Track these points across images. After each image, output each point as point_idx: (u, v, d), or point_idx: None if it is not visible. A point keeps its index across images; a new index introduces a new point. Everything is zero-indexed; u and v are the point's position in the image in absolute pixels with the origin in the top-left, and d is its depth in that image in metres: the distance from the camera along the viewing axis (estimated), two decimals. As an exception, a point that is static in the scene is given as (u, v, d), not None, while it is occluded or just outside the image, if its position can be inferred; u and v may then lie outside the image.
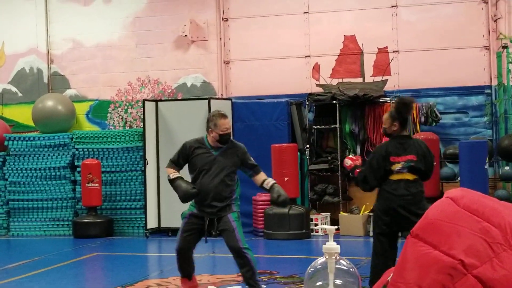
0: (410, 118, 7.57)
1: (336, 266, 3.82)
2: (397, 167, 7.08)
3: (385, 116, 7.36)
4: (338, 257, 3.84)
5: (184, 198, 7.43)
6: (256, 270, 7.48)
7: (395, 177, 7.13)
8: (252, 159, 7.62)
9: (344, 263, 3.85)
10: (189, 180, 7.55)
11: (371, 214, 12.69)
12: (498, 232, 4.57)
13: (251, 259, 7.39)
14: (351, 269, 3.84)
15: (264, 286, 7.88)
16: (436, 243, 4.63)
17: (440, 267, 4.49)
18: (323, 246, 3.88)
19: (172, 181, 7.49)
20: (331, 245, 3.88)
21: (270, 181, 7.56)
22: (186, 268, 7.71)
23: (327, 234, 4.14)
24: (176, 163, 7.60)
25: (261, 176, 7.60)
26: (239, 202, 7.71)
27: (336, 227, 4.20)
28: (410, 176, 7.16)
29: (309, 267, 3.89)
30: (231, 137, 7.61)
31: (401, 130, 7.22)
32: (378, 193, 7.32)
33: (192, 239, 7.58)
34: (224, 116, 7.47)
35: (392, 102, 13.07)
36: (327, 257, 3.86)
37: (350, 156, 7.66)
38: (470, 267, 4.44)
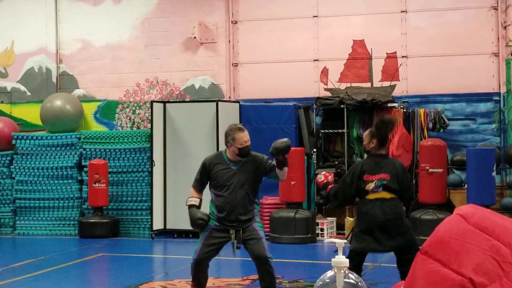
0: (389, 137, 7.47)
1: (345, 280, 3.82)
2: (370, 186, 7.07)
3: (365, 133, 7.44)
4: (347, 271, 3.84)
5: (192, 226, 7.50)
6: (275, 278, 7.48)
7: (371, 196, 7.11)
8: (270, 161, 7.53)
9: (353, 277, 3.85)
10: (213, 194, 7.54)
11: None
12: (508, 251, 4.56)
13: (273, 268, 7.41)
14: (359, 283, 3.84)
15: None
16: (445, 261, 4.62)
17: (449, 285, 4.49)
18: (332, 259, 3.88)
19: (188, 207, 7.52)
20: (340, 259, 3.88)
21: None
22: (200, 278, 7.67)
23: (336, 247, 4.14)
24: (198, 182, 7.57)
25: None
26: (258, 212, 7.66)
27: (345, 240, 4.18)
28: (386, 195, 7.12)
29: (317, 280, 3.89)
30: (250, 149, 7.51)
31: (379, 148, 7.22)
32: (357, 212, 7.34)
33: (212, 253, 7.53)
34: (241, 129, 7.40)
35: (401, 108, 13.09)
36: (335, 271, 3.85)
37: (324, 172, 7.66)
38: (480, 285, 4.43)
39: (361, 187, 7.09)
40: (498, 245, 4.61)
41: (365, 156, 7.71)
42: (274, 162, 7.43)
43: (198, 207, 7.45)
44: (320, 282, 3.89)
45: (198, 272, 7.54)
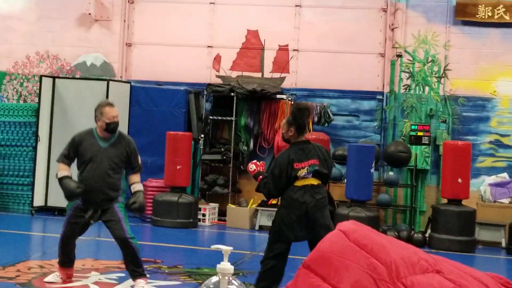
0: (308, 123, 7.47)
1: (228, 286, 4.00)
2: (302, 172, 6.98)
3: (282, 122, 7.37)
4: (230, 278, 4.01)
5: (68, 197, 7.49)
6: (140, 258, 7.61)
7: (299, 183, 7.00)
8: (139, 159, 7.70)
9: (236, 284, 4.03)
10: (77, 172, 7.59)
11: (258, 208, 13.00)
12: (384, 269, 4.83)
13: (136, 248, 7.51)
14: None
15: (148, 275, 7.99)
16: (326, 276, 4.86)
17: (328, 300, 4.77)
18: (217, 265, 4.04)
19: (59, 180, 7.49)
20: (225, 266, 4.04)
21: (137, 186, 7.64)
22: (66, 256, 7.74)
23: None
24: (66, 157, 7.59)
25: (136, 177, 7.69)
26: (125, 194, 7.76)
27: (231, 248, 4.29)
28: (314, 181, 7.05)
29: (202, 285, 4.05)
30: (118, 127, 7.62)
31: (298, 136, 7.15)
32: (281, 200, 7.18)
33: (77, 229, 7.65)
34: (110, 104, 7.55)
35: (288, 100, 13.40)
36: (220, 277, 4.02)
37: (255, 161, 7.46)
38: (357, 302, 4.72)
39: (293, 174, 6.97)
40: (375, 263, 4.88)
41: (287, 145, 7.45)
42: (139, 164, 7.66)
43: (70, 178, 7.46)
44: (205, 287, 4.03)
45: (65, 249, 7.71)
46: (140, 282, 7.63)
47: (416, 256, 5.21)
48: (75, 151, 7.55)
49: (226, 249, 4.19)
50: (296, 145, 7.14)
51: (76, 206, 7.56)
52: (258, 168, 7.37)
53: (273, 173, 7.06)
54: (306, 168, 7.00)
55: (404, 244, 5.42)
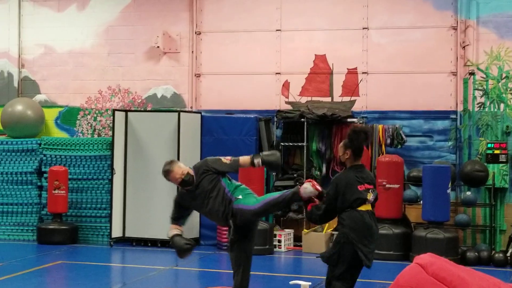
0: (364, 147, 7.15)
1: None
2: (370, 196, 6.84)
3: (340, 145, 7.23)
4: None
5: (179, 253, 7.81)
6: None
7: (364, 207, 6.84)
8: (223, 161, 7.84)
9: None
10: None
11: (333, 232, 12.88)
12: None
13: (265, 202, 7.61)
14: None
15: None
16: None
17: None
18: None
19: (170, 239, 7.83)
20: None
21: (254, 157, 7.94)
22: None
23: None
24: (175, 218, 7.95)
25: (241, 159, 7.93)
26: (239, 189, 7.85)
27: (309, 283, 4.33)
28: (369, 207, 6.94)
29: None
30: (190, 178, 7.75)
31: (355, 159, 6.99)
32: (345, 222, 6.83)
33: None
34: (168, 172, 7.74)
35: (360, 123, 13.30)
36: None
37: (310, 180, 7.32)
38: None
39: (360, 197, 6.78)
40: None
41: (343, 168, 7.41)
42: (223, 162, 7.81)
43: (180, 235, 7.78)
44: None
45: None
46: None
47: (496, 287, 5.14)
48: (182, 206, 7.92)
49: (304, 284, 4.25)
50: (354, 168, 6.97)
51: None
52: (317, 186, 7.16)
53: (330, 196, 6.84)
54: (371, 191, 6.86)
55: (482, 275, 5.39)
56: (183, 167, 7.77)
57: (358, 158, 7.02)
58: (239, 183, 7.98)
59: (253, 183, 12.56)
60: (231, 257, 7.89)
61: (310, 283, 4.41)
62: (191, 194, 7.77)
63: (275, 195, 7.62)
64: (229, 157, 7.90)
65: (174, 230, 7.82)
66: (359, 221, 6.76)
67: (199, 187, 7.71)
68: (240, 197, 7.67)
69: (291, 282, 4.64)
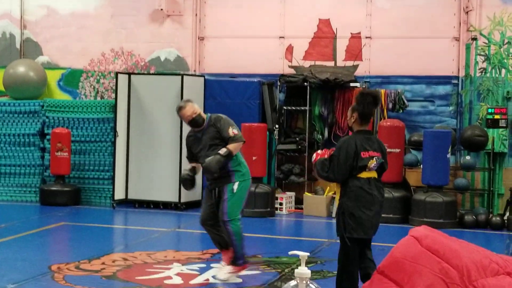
0: (373, 112, 6.87)
1: None
2: (372, 163, 6.62)
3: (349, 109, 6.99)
4: (308, 282, 4.16)
5: (182, 184, 8.22)
6: (236, 244, 7.83)
7: (365, 174, 6.63)
8: (231, 130, 7.86)
9: (313, 287, 4.17)
10: None
11: (335, 196, 12.97)
12: (456, 273, 4.95)
13: (231, 232, 7.79)
14: None
15: (248, 264, 8.13)
16: (399, 281, 5.00)
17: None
18: (295, 270, 4.20)
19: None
20: (303, 270, 4.20)
21: (221, 150, 7.83)
22: (215, 239, 8.11)
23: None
24: (188, 157, 8.28)
25: (229, 146, 7.83)
26: (242, 171, 7.93)
27: (308, 253, 4.41)
28: (375, 174, 6.71)
29: None
30: (200, 119, 7.92)
31: (362, 124, 6.77)
32: (345, 193, 6.66)
33: (208, 211, 8.02)
34: (181, 108, 7.95)
35: (362, 87, 13.33)
36: (298, 281, 4.18)
37: (318, 151, 6.96)
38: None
39: (360, 164, 6.57)
40: (447, 267, 4.99)
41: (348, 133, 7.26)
42: (230, 135, 7.84)
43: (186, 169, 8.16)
44: None
45: (208, 232, 8.13)
46: (225, 268, 7.91)
47: (487, 259, 5.31)
48: (189, 149, 8.17)
49: (303, 254, 4.36)
50: (360, 133, 6.75)
51: (206, 187, 8.10)
52: (323, 154, 6.86)
53: (339, 158, 6.60)
54: (375, 159, 6.64)
55: (475, 248, 5.51)
56: (197, 108, 7.96)
57: (365, 123, 6.79)
58: (243, 160, 8.06)
59: (255, 147, 12.67)
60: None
61: (308, 254, 4.51)
62: (196, 138, 7.98)
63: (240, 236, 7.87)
64: (235, 131, 7.89)
65: (188, 167, 8.18)
66: (357, 189, 6.59)
67: (205, 134, 7.90)
68: (236, 186, 7.81)
69: (290, 253, 4.74)
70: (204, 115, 7.98)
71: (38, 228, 11.23)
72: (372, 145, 6.71)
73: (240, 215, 7.91)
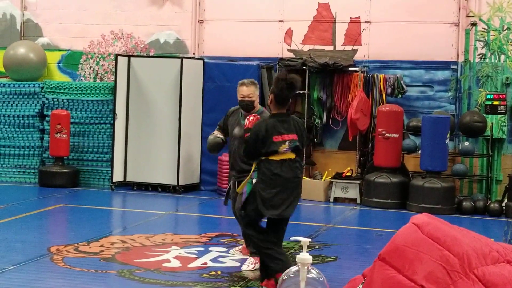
0: (289, 96, 6.84)
1: (308, 275, 4.26)
2: (283, 148, 6.70)
3: None
4: (310, 267, 4.25)
5: (208, 147, 8.14)
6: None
7: (278, 157, 6.73)
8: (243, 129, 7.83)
9: (315, 272, 4.28)
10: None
11: (333, 180, 13.07)
12: (457, 260, 5.03)
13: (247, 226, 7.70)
14: (320, 279, 4.28)
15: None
16: (400, 268, 5.08)
17: (403, 290, 4.97)
18: (297, 256, 4.28)
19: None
20: (305, 256, 4.29)
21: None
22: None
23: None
24: (219, 126, 8.17)
25: None
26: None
27: (309, 239, 4.50)
28: (292, 155, 6.80)
29: (283, 274, 4.34)
30: (251, 106, 7.75)
31: (277, 107, 6.80)
32: (258, 174, 6.87)
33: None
34: (243, 84, 7.83)
35: (361, 72, 13.36)
36: (299, 266, 4.27)
37: (250, 118, 7.16)
38: (430, 292, 4.93)
39: (271, 149, 6.66)
40: (448, 255, 5.08)
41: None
42: None
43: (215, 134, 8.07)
44: (285, 276, 4.30)
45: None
46: (249, 260, 7.79)
47: (488, 247, 5.37)
48: (225, 122, 8.04)
49: (304, 240, 4.43)
50: (275, 116, 6.79)
51: (232, 179, 7.98)
52: (250, 124, 7.05)
53: (249, 141, 6.79)
54: (287, 143, 6.68)
55: (476, 235, 5.58)
56: (255, 94, 7.80)
57: (281, 106, 6.82)
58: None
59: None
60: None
61: (310, 239, 4.60)
62: (235, 119, 7.87)
63: None
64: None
65: (214, 132, 8.10)
66: (267, 171, 6.71)
67: (241, 122, 7.71)
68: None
69: (292, 238, 4.83)
70: (257, 105, 7.83)
71: (37, 209, 11.28)
72: (288, 127, 6.75)
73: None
